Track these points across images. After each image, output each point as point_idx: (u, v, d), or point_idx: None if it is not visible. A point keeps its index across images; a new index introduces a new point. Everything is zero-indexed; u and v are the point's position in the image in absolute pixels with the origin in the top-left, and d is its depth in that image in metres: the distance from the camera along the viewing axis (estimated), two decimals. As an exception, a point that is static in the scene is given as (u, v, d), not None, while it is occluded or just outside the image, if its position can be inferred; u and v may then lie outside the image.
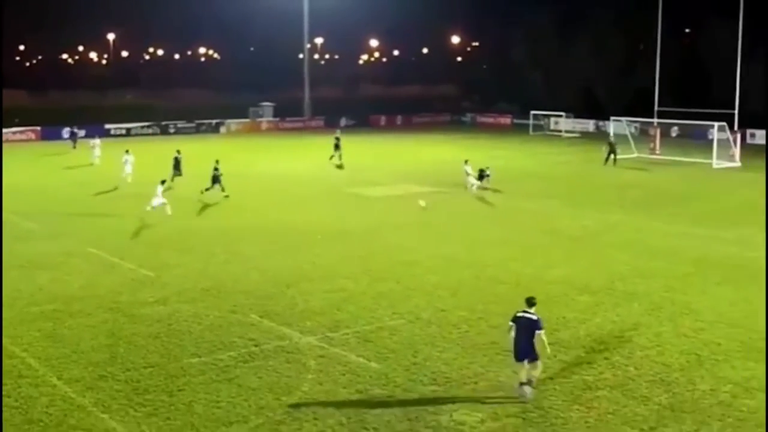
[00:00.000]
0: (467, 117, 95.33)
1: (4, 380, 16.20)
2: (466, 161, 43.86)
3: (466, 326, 20.33)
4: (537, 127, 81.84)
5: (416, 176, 45.29)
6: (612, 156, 53.60)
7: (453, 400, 15.77)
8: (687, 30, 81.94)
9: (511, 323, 15.87)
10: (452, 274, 25.74)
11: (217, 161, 40.88)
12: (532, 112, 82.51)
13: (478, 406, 15.53)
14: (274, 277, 25.35)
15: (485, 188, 42.71)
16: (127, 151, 47.79)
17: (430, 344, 19.01)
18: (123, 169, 46.47)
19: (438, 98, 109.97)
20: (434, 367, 17.50)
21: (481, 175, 43.45)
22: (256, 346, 18.97)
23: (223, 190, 39.78)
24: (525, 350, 15.53)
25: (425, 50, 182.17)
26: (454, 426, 14.66)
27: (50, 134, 73.14)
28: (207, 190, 39.70)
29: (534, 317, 15.59)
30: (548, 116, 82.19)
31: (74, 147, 66.21)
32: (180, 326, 20.45)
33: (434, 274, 25.75)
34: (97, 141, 59.49)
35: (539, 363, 15.70)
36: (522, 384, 15.63)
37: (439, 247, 29.83)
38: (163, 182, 35.15)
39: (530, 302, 15.93)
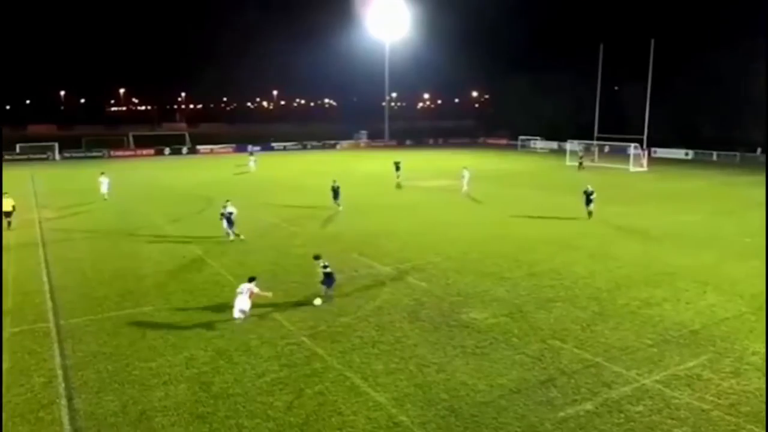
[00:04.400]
0: (480, 139, 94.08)
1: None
2: (465, 167, 38.67)
3: (478, 262, 20.52)
4: (522, 146, 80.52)
5: (449, 175, 44.98)
6: (581, 163, 52.44)
7: (470, 305, 16.09)
8: (616, 87, 79.73)
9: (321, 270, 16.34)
10: (470, 231, 25.81)
11: (335, 180, 32.09)
12: (520, 136, 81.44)
13: (485, 309, 15.83)
14: (365, 232, 25.71)
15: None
16: (102, 173, 35.79)
17: (456, 272, 19.28)
18: (99, 188, 34.93)
19: (463, 128, 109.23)
20: (458, 286, 17.80)
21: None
22: (355, 271, 19.41)
23: (338, 205, 31.11)
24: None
25: (456, 99, 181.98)
26: (469, 320, 15.00)
27: (240, 149, 74.31)
28: (337, 201, 31.21)
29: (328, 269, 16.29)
30: (529, 139, 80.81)
31: (251, 155, 64.49)
32: (311, 259, 20.83)
33: (458, 231, 25.89)
34: (253, 157, 54.34)
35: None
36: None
37: (461, 216, 29.89)
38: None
39: (316, 256, 16.90)
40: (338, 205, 31.02)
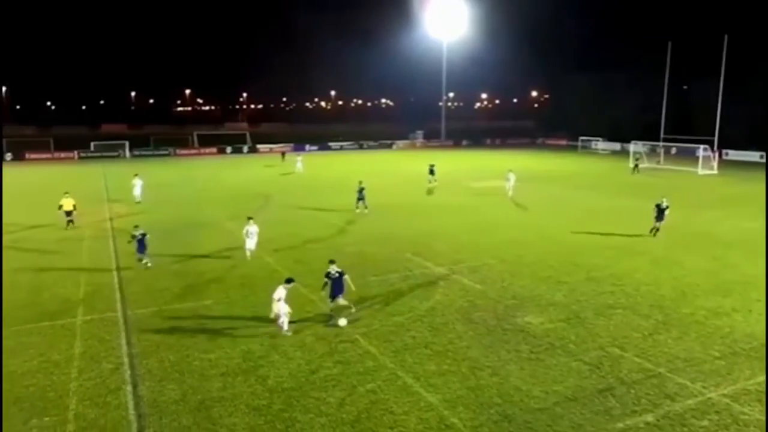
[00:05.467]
0: (539, 140, 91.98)
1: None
2: (510, 170, 36.56)
3: (534, 265, 20.10)
4: (583, 147, 78.10)
5: (504, 176, 44.09)
6: (636, 165, 50.55)
7: (525, 309, 15.78)
8: (684, 86, 76.04)
9: (326, 279, 14.46)
10: (525, 233, 25.29)
11: (361, 181, 30.27)
12: (580, 137, 78.87)
13: (540, 313, 15.49)
14: (419, 232, 25.65)
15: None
16: (136, 175, 34.87)
17: (511, 275, 18.96)
18: (132, 191, 33.92)
19: (522, 128, 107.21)
20: (514, 289, 17.49)
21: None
22: (409, 271, 19.42)
23: (365, 206, 29.70)
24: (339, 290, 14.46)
25: (515, 99, 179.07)
26: (524, 324, 14.71)
27: (298, 148, 75.47)
28: (362, 203, 29.79)
29: (340, 270, 14.47)
30: (590, 140, 78.22)
31: (298, 155, 59.07)
32: (365, 258, 21.07)
33: (513, 233, 25.44)
34: (300, 157, 53.04)
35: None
36: (332, 316, 14.57)
37: (516, 217, 29.36)
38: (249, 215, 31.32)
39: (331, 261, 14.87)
40: (364, 206, 29.56)
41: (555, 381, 11.70)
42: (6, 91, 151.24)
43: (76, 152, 67.73)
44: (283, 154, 63.62)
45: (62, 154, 67.31)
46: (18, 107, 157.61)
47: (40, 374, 11.99)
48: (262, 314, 15.20)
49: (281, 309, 13.80)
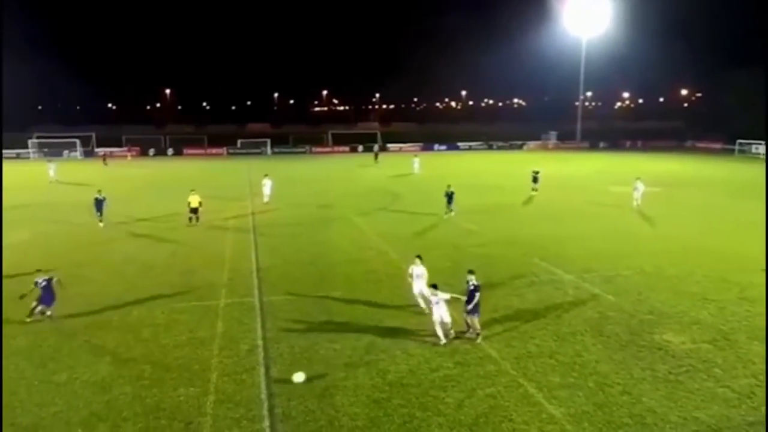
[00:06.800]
0: (688, 143, 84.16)
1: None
2: (638, 178, 32.67)
3: (676, 279, 18.49)
4: (740, 151, 70.10)
5: (644, 180, 40.92)
6: None
7: (664, 326, 14.58)
8: None
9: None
10: (667, 243, 23.36)
11: (449, 185, 29.26)
12: (738, 140, 70.77)
13: (682, 332, 14.21)
14: (548, 236, 24.71)
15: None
16: (266, 175, 34.63)
17: (649, 288, 17.61)
18: (262, 190, 33.77)
19: (669, 130, 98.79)
20: (651, 303, 16.23)
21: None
22: (536, 276, 18.80)
23: (451, 210, 28.78)
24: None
25: (661, 99, 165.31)
26: (663, 342, 13.58)
27: (427, 147, 76.57)
28: (450, 207, 28.86)
29: (476, 284, 13.58)
30: (750, 143, 69.90)
31: (415, 156, 53.22)
32: (490, 260, 20.71)
33: (654, 242, 23.59)
34: (417, 158, 51.26)
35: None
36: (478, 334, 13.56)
37: (658, 225, 27.11)
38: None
39: (470, 270, 13.99)
40: (450, 210, 28.65)
41: (696, 407, 10.66)
42: (171, 93, 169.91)
43: (225, 148, 74.18)
44: (376, 155, 63.13)
45: (213, 150, 74.26)
46: (180, 107, 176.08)
47: (188, 348, 13.29)
48: (387, 310, 15.55)
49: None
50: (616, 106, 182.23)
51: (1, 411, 10.60)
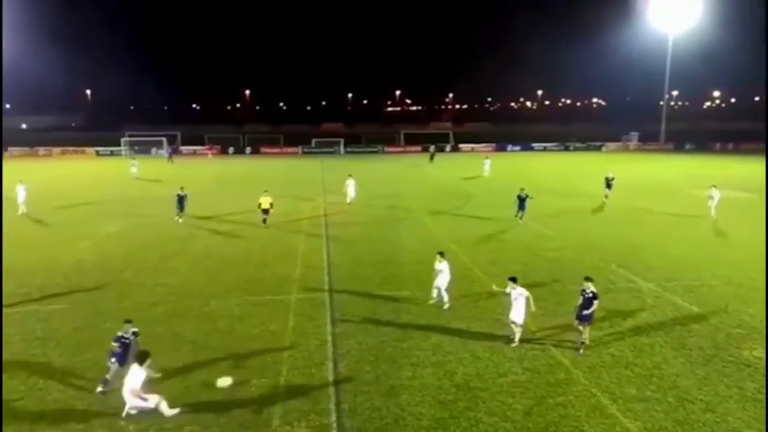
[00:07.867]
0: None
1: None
2: (713, 185, 30.51)
3: (770, 292, 17.15)
4: None
5: (728, 184, 38.27)
6: None
7: (754, 341, 13.63)
8: None
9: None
10: (757, 252, 21.59)
11: (522, 189, 28.24)
12: None
13: (775, 348, 13.15)
14: (627, 242, 23.71)
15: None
16: (349, 175, 34.73)
17: (739, 299, 16.52)
18: (346, 191, 33.64)
19: (763, 131, 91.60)
20: (740, 317, 15.21)
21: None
22: (613, 284, 18.05)
23: (521, 216, 27.68)
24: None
25: (756, 98, 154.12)
26: (753, 359, 12.69)
27: (500, 148, 75.17)
28: (521, 213, 27.74)
29: (593, 291, 12.87)
30: None
31: (486, 158, 50.81)
32: (564, 265, 20.15)
33: (745, 250, 22.04)
34: (488, 159, 49.85)
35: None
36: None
37: (751, 233, 25.20)
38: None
39: (587, 278, 13.26)
40: (520, 217, 27.55)
41: (789, 431, 9.88)
42: (250, 93, 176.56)
43: (300, 147, 76.10)
44: (432, 155, 62.73)
45: (289, 149, 76.37)
46: (258, 107, 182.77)
47: (260, 340, 13.74)
48: (455, 312, 15.42)
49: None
50: (705, 106, 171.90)
51: (1, 411, 10.87)
